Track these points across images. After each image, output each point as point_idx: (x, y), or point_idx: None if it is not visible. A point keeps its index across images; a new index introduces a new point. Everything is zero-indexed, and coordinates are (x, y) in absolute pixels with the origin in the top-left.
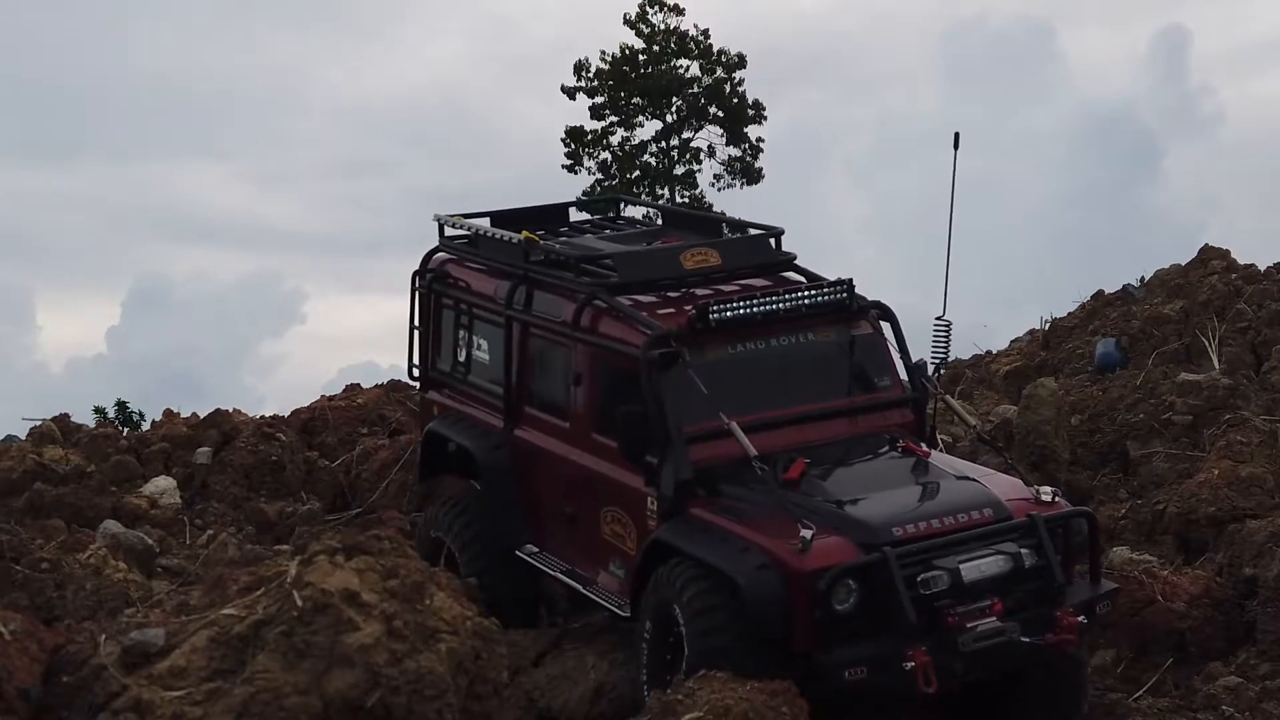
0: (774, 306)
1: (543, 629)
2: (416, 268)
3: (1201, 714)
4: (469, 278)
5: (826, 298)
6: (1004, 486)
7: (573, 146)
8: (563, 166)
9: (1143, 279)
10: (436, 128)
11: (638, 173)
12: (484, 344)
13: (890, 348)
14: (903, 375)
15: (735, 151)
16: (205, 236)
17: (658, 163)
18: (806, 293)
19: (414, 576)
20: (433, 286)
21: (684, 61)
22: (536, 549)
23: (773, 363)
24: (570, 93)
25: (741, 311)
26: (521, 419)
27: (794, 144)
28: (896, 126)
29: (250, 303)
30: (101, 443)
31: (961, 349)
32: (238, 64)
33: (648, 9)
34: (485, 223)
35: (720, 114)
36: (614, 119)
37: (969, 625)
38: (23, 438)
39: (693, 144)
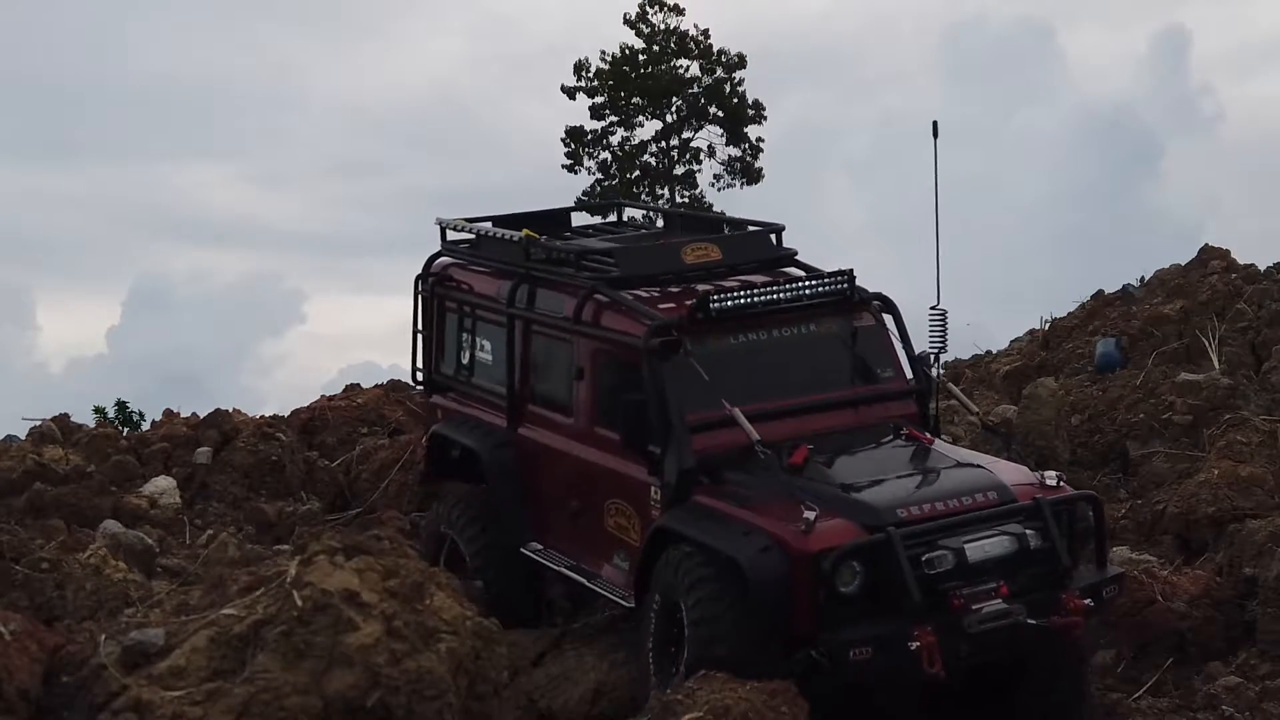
0: (775, 297)
1: (543, 630)
2: (419, 272)
3: (1201, 714)
4: (471, 280)
5: (827, 289)
6: (1008, 472)
7: (573, 146)
8: (563, 166)
9: (1142, 279)
10: (436, 128)
11: (638, 173)
12: (487, 345)
13: (893, 339)
14: (905, 367)
15: (735, 151)
16: (205, 236)
17: (658, 163)
18: (807, 284)
19: (414, 576)
20: (435, 290)
21: (684, 61)
22: (541, 546)
23: (774, 354)
24: (570, 93)
25: (742, 302)
26: (525, 418)
27: (794, 144)
28: (896, 126)
29: (250, 303)
30: (101, 443)
31: (961, 349)
32: (238, 64)
33: (648, 9)
34: (487, 226)
35: (720, 114)
36: (614, 119)
37: (974, 607)
38: (23, 438)
39: (693, 144)
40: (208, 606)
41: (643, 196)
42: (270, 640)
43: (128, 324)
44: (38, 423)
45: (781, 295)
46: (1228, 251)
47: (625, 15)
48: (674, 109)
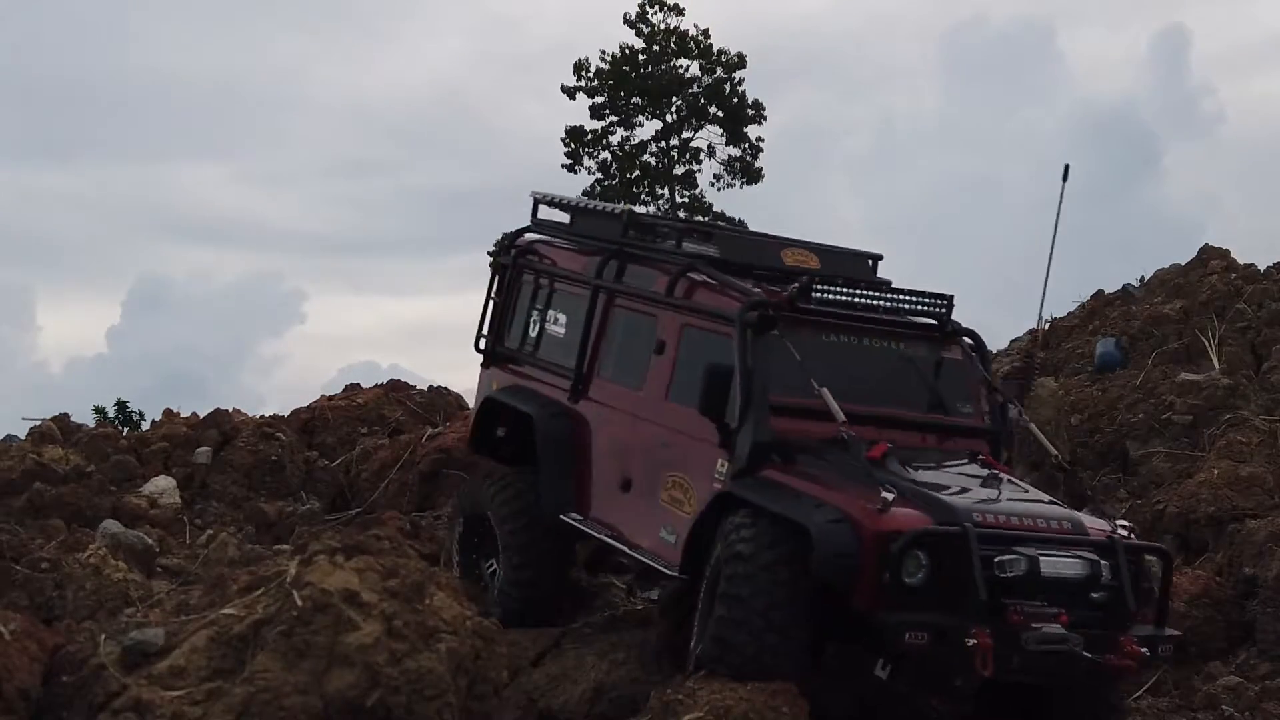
0: (874, 302)
1: (543, 633)
2: (497, 245)
3: (1201, 714)
4: (556, 255)
5: (925, 308)
6: (1082, 514)
7: (573, 146)
8: (563, 166)
9: (1142, 279)
10: (436, 128)
11: (638, 173)
12: (561, 319)
13: (977, 377)
14: (984, 408)
15: (735, 151)
16: (205, 236)
17: (657, 162)
18: (907, 298)
19: (414, 576)
20: (516, 262)
21: (684, 61)
22: (581, 517)
23: (861, 362)
24: (570, 92)
25: (843, 297)
26: (588, 390)
27: (794, 144)
28: (896, 126)
29: (250, 303)
30: (101, 442)
31: None
32: (238, 64)
33: (648, 9)
34: (587, 199)
35: (720, 114)
36: (614, 119)
37: (1034, 625)
38: (23, 437)
39: (693, 144)
40: (207, 606)
41: (643, 196)
42: (270, 640)
43: (128, 324)
44: (38, 422)
45: (881, 303)
46: (1228, 251)
47: (625, 15)
48: (674, 109)
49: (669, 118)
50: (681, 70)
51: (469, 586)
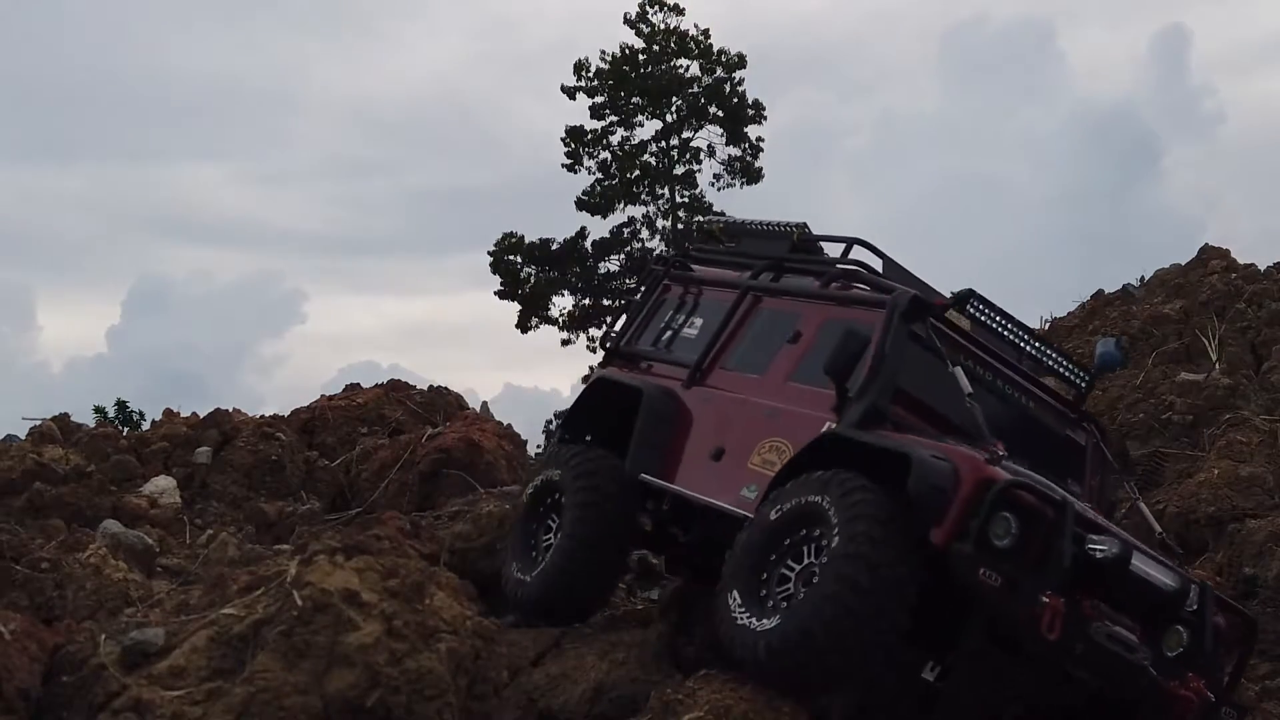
0: (1022, 342)
1: (543, 632)
2: (656, 259)
3: None
4: (710, 269)
5: (1065, 372)
6: None
7: (573, 146)
8: (563, 166)
9: (1143, 279)
10: (436, 128)
11: (637, 172)
12: (698, 321)
13: (1096, 465)
14: (1094, 497)
15: (735, 151)
16: (205, 236)
17: (657, 162)
18: (1054, 353)
19: (414, 576)
20: (670, 271)
21: (684, 61)
22: (658, 480)
23: (988, 404)
24: (570, 92)
25: (996, 320)
26: (706, 377)
27: (794, 144)
28: (896, 126)
29: (250, 303)
30: (101, 442)
31: None
32: (238, 64)
33: (648, 9)
34: (757, 219)
35: (720, 113)
36: (614, 118)
37: (1107, 621)
38: (23, 437)
39: (693, 144)
40: (207, 606)
41: (643, 196)
42: (270, 640)
43: (128, 323)
44: (38, 422)
45: (1028, 346)
46: (1228, 251)
47: (625, 15)
48: (674, 109)
49: (669, 117)
50: (681, 70)
51: (520, 557)
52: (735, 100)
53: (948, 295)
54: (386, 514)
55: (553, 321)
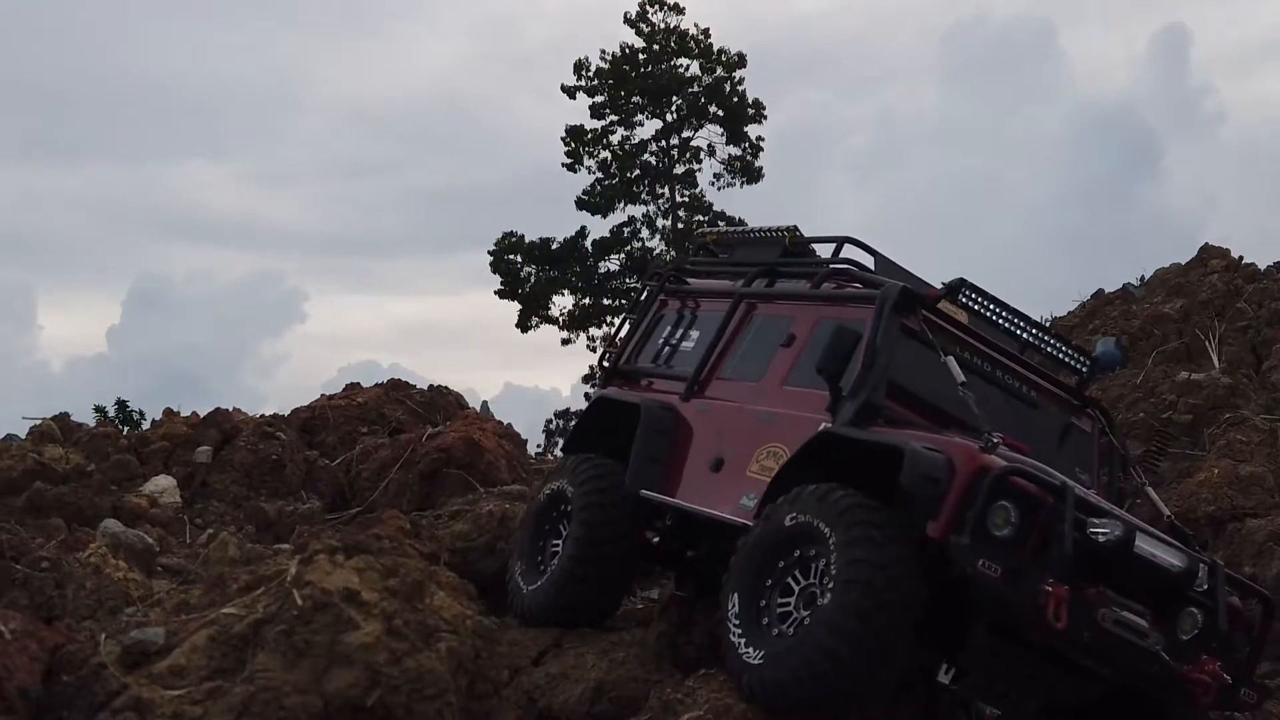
0: (1017, 330)
1: (544, 632)
2: (650, 275)
3: None
4: (704, 280)
5: (1064, 357)
6: None
7: (573, 145)
8: (563, 165)
9: (1143, 278)
10: (436, 127)
11: (637, 172)
12: (694, 334)
13: (1101, 452)
14: (1101, 486)
15: (735, 150)
16: (205, 236)
17: (658, 162)
18: (1051, 339)
19: (414, 575)
20: (665, 287)
21: (684, 60)
22: (660, 495)
23: (987, 394)
24: (570, 92)
25: (989, 308)
26: (704, 389)
27: (794, 143)
28: (896, 126)
29: (250, 302)
30: (101, 442)
31: None
32: (238, 64)
33: (648, 8)
34: (748, 227)
35: (720, 113)
36: (614, 118)
37: (1114, 607)
38: (23, 437)
39: (693, 143)
40: (208, 605)
41: (643, 196)
42: (270, 639)
43: (128, 323)
44: (38, 421)
45: (1024, 333)
46: (1228, 250)
47: (625, 14)
48: (674, 108)
49: (669, 117)
50: (682, 69)
51: (526, 566)
52: (735, 100)
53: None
54: (387, 513)
55: (553, 321)
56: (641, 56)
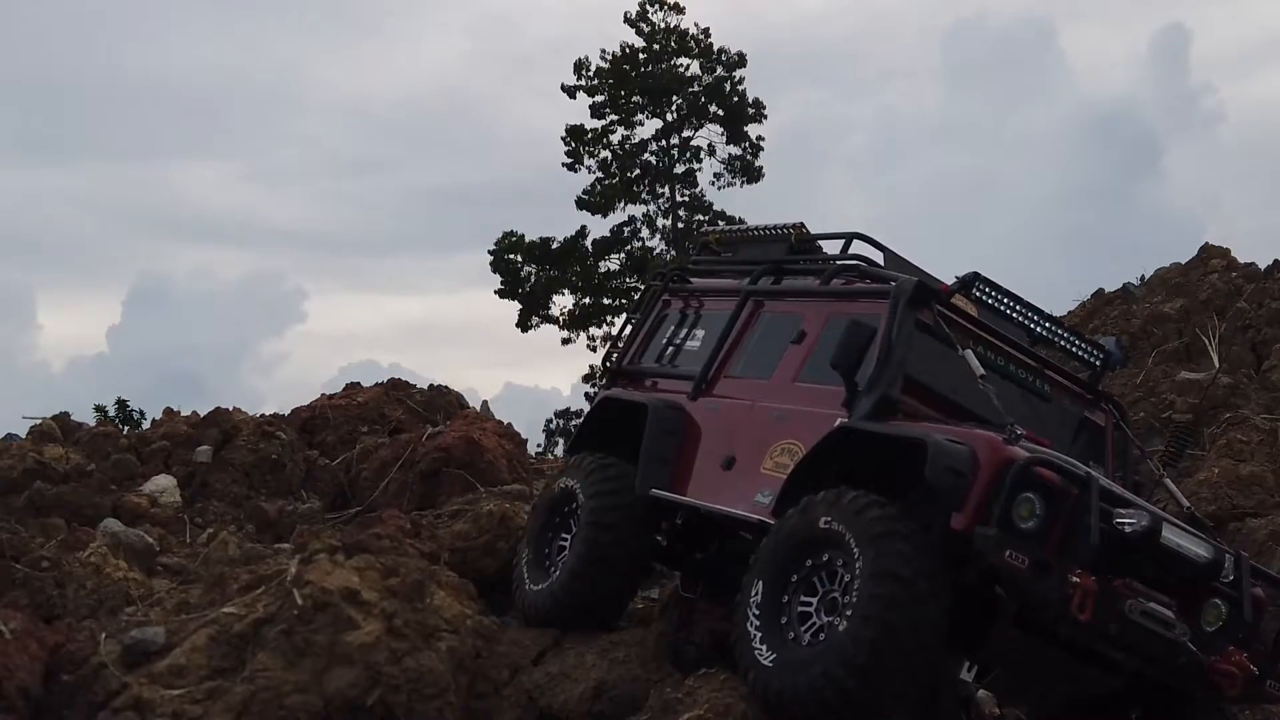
0: (1032, 324)
1: (544, 632)
2: (655, 276)
3: None
4: (709, 279)
5: (1080, 351)
6: None
7: (573, 145)
8: (563, 165)
9: (1143, 277)
10: (437, 127)
11: (638, 171)
12: (700, 333)
13: (1113, 449)
14: (1117, 476)
15: (735, 150)
16: (206, 235)
17: (658, 161)
18: (1064, 333)
19: (414, 575)
20: (669, 287)
21: (684, 60)
22: (670, 494)
23: (1001, 389)
24: (570, 91)
25: (1003, 301)
26: (712, 387)
27: (794, 143)
28: (897, 125)
29: (250, 302)
30: (102, 441)
31: None
32: (238, 64)
33: (648, 7)
34: (754, 225)
35: (720, 112)
36: (614, 117)
37: (1140, 598)
38: (23, 436)
39: (693, 142)
40: (208, 605)
41: (643, 195)
42: (270, 639)
43: (128, 322)
44: (38, 421)
45: (1038, 327)
46: (1228, 250)
47: (626, 14)
48: (674, 107)
49: (669, 116)
50: (682, 69)
51: (533, 565)
52: (735, 99)
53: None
54: (387, 513)
55: (553, 320)
56: (642, 56)
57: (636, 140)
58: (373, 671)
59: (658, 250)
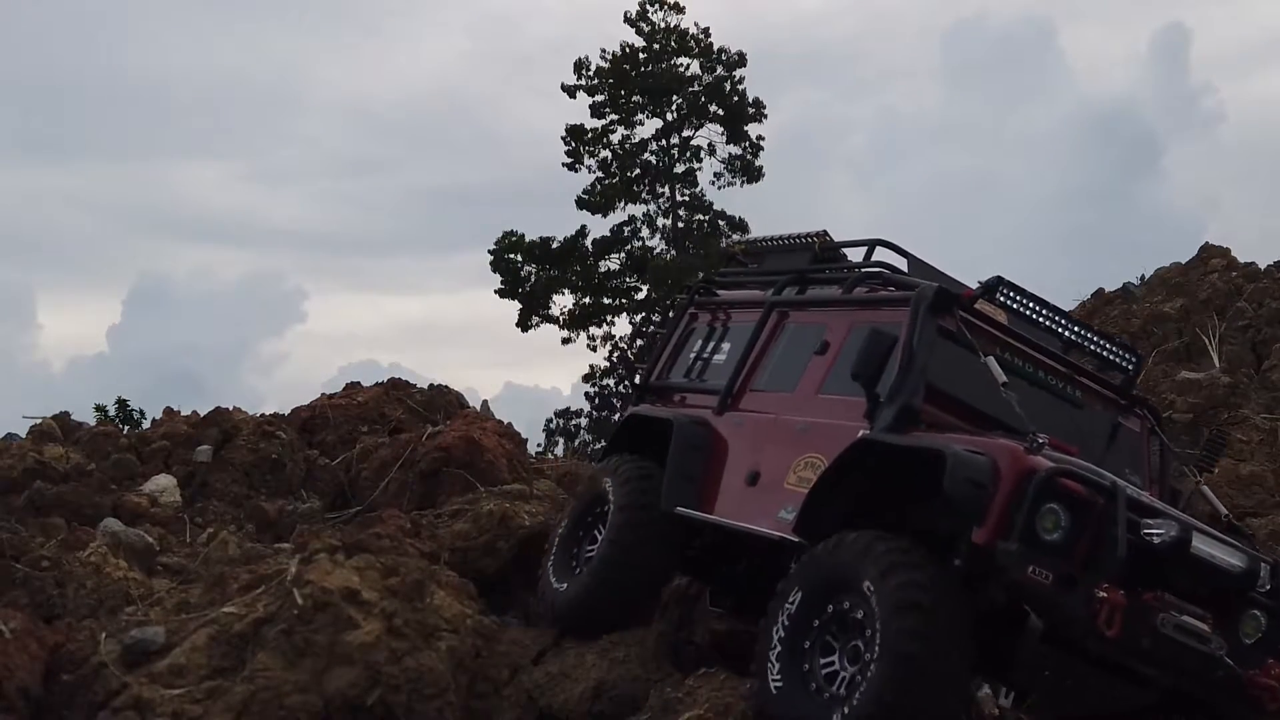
0: (1059, 328)
1: (544, 631)
2: (685, 291)
3: None
4: (736, 290)
5: (1111, 357)
6: None
7: (573, 145)
8: (563, 165)
9: (1143, 277)
10: (437, 127)
11: (638, 171)
12: (726, 346)
13: (1150, 455)
14: (1154, 487)
15: (735, 150)
16: (206, 235)
17: (658, 161)
18: (1095, 336)
19: (414, 575)
20: (695, 299)
21: (684, 60)
22: (695, 512)
23: (1029, 396)
24: (570, 91)
25: (1028, 306)
26: (738, 401)
27: (794, 142)
28: (897, 125)
29: (250, 301)
30: (102, 441)
31: None
32: (238, 64)
33: (648, 7)
34: (778, 234)
35: (720, 112)
36: (614, 117)
37: (1173, 611)
38: (23, 436)
39: (693, 142)
40: (208, 605)
41: (643, 195)
42: (270, 638)
43: (128, 322)
44: (38, 421)
45: (1067, 332)
46: (1228, 250)
47: (626, 13)
48: (674, 107)
49: (669, 116)
50: (682, 69)
51: (559, 564)
52: (736, 99)
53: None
54: (387, 513)
55: (553, 320)
56: (642, 56)
57: (636, 140)
58: (373, 671)
59: (658, 250)
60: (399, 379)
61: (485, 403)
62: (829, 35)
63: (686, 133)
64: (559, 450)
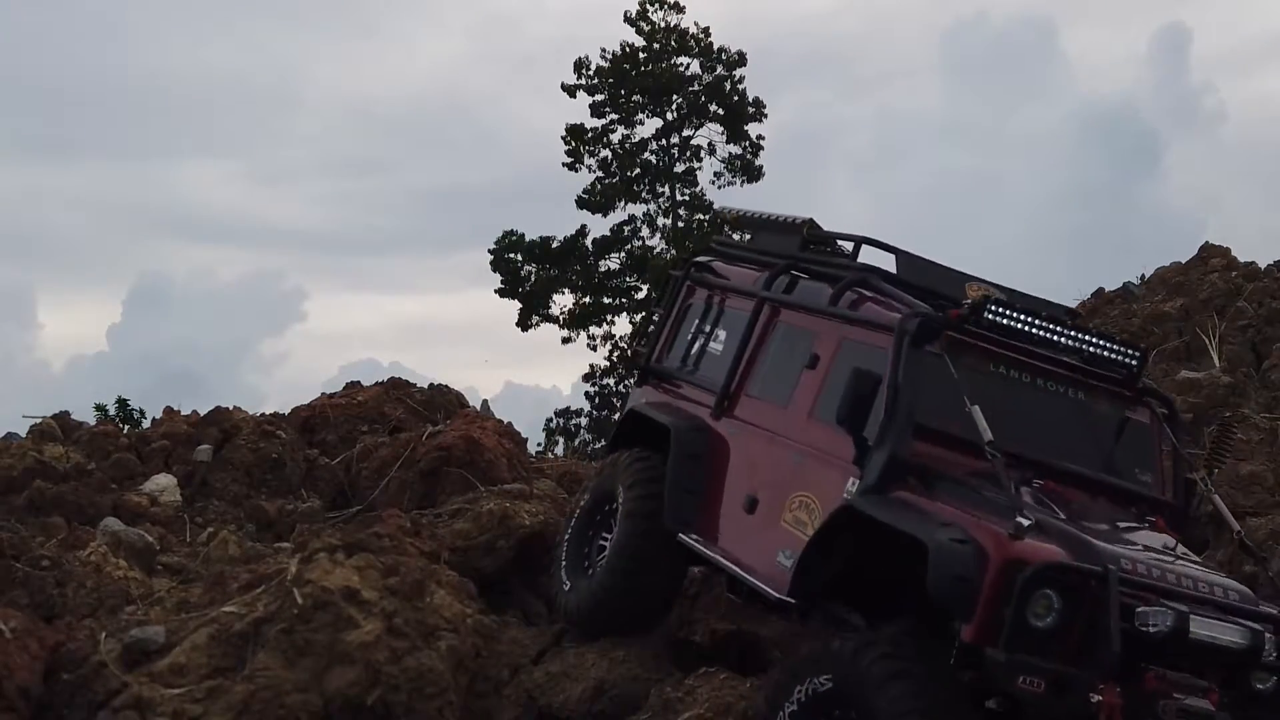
0: (1055, 337)
1: (543, 631)
2: (680, 266)
3: None
4: (730, 272)
5: (1113, 357)
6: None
7: (573, 144)
8: (563, 164)
9: (1143, 277)
10: (437, 127)
11: (638, 170)
12: (722, 335)
13: (1163, 448)
14: (1167, 482)
15: (736, 149)
16: (206, 235)
17: (658, 160)
18: (1094, 339)
19: (414, 574)
20: (690, 277)
21: (684, 59)
22: (700, 538)
23: (1031, 402)
24: (570, 90)
25: (1020, 322)
26: (734, 406)
27: (794, 142)
28: (897, 125)
29: (251, 301)
30: (102, 440)
31: None
32: (238, 64)
33: (648, 6)
34: (768, 212)
35: (720, 111)
36: (614, 116)
37: (1175, 695)
38: (24, 435)
39: (693, 141)
40: (208, 604)
41: (643, 195)
42: (270, 638)
43: (129, 322)
44: (38, 420)
45: (1063, 340)
46: (1228, 249)
47: (626, 13)
48: (674, 106)
49: (669, 115)
50: (682, 68)
51: (571, 564)
52: (736, 98)
53: (970, 279)
54: (387, 512)
55: (553, 320)
56: (642, 55)
57: (636, 139)
58: (373, 671)
59: (658, 249)
60: (399, 378)
61: (485, 402)
62: (829, 35)
63: (686, 132)
64: (559, 450)
